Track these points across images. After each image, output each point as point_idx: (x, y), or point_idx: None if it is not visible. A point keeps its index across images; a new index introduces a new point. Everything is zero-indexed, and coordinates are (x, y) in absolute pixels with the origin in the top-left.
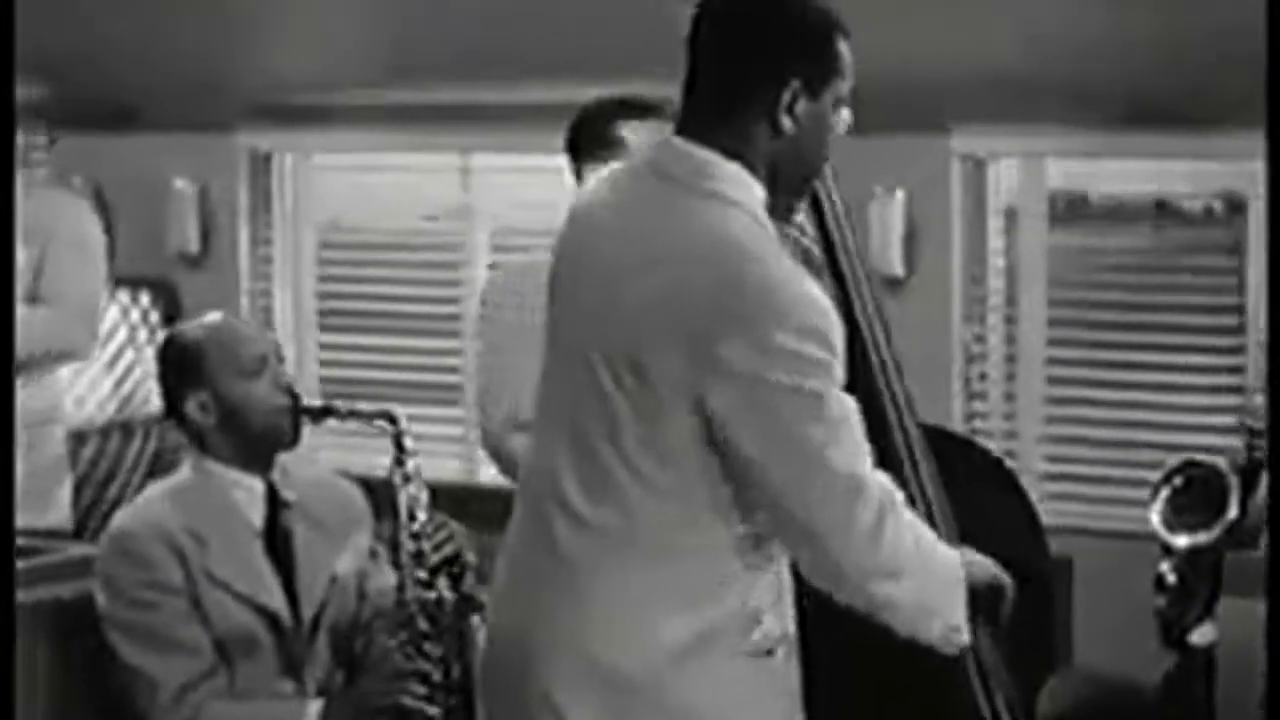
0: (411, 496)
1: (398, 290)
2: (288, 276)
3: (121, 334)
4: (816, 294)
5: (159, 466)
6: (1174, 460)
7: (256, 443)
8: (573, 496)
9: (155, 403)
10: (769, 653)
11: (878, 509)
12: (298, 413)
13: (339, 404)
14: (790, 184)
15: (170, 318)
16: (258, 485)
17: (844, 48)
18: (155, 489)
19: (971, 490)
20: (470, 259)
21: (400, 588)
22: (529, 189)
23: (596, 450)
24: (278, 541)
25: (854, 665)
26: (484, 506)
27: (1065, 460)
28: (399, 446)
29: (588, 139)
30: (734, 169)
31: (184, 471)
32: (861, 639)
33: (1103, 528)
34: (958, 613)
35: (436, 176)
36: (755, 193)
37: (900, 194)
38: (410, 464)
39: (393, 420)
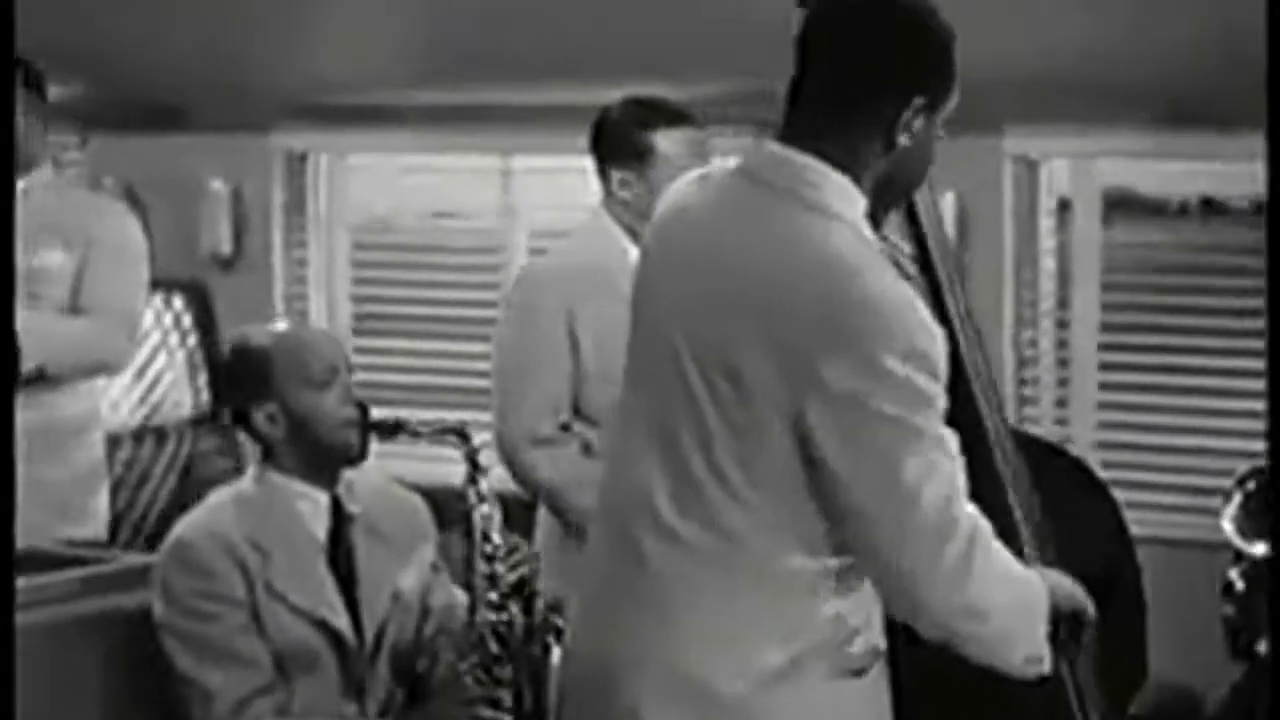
0: (485, 517)
1: (435, 293)
2: (322, 279)
3: (154, 338)
4: (924, 314)
5: (191, 472)
6: (1244, 466)
7: (324, 456)
8: (663, 509)
9: (187, 407)
10: (860, 673)
11: (965, 548)
12: (367, 427)
13: (410, 420)
14: (893, 196)
15: (203, 321)
16: (323, 498)
17: (958, 63)
18: (218, 497)
19: (1060, 496)
20: (510, 261)
21: (471, 610)
22: (570, 190)
23: (688, 462)
24: (340, 556)
25: (945, 685)
26: (526, 514)
27: (1119, 466)
28: (472, 464)
29: (616, 145)
30: (842, 181)
31: (248, 481)
32: (952, 658)
33: (1157, 535)
34: (1039, 641)
35: (476, 177)
36: (859, 206)
37: (951, 195)
38: (484, 483)
39: (465, 438)
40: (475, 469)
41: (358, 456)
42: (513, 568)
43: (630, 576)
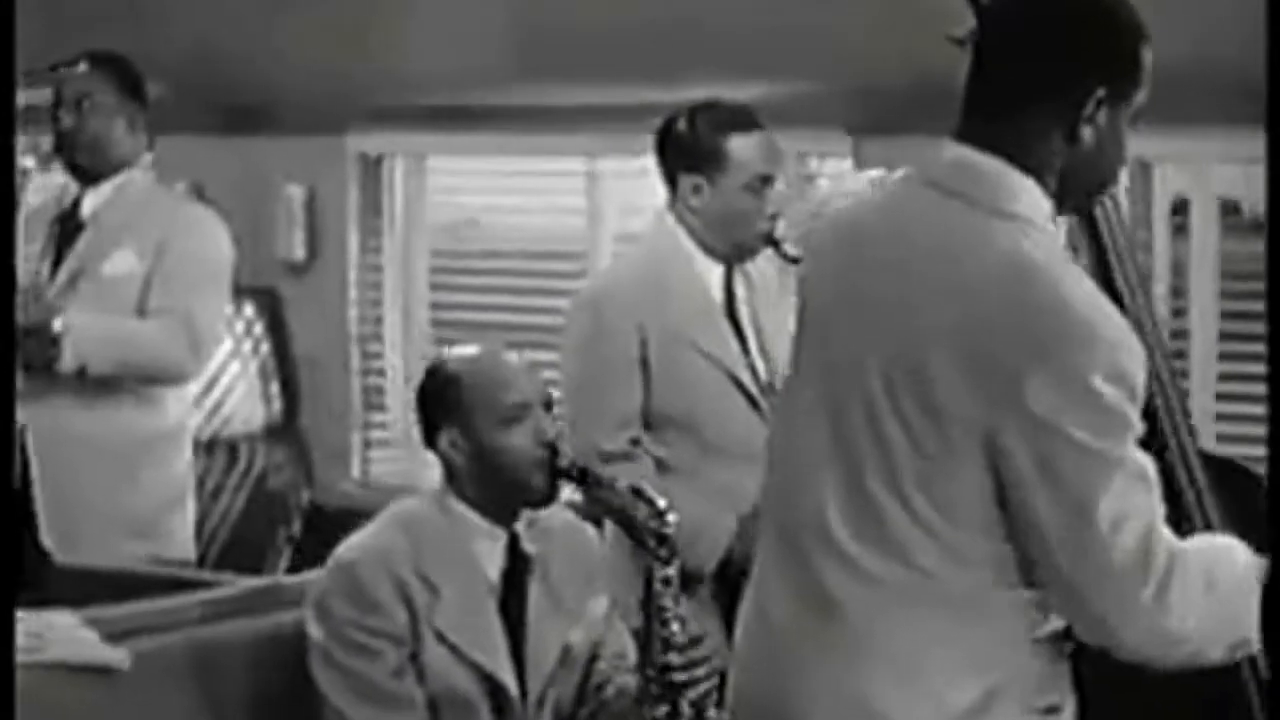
0: (667, 601)
1: (517, 300)
2: (398, 285)
3: (225, 346)
4: (1125, 327)
5: (264, 484)
6: None
7: (505, 493)
8: (840, 535)
9: (259, 418)
10: (1053, 711)
11: (1162, 582)
12: (555, 471)
13: (599, 471)
14: (1077, 197)
15: (275, 329)
16: (500, 535)
17: (1149, 57)
18: (392, 515)
19: (1245, 519)
20: (595, 267)
21: (640, 700)
22: (657, 194)
23: (868, 487)
24: (512, 601)
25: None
26: None
27: None
28: (658, 540)
29: (686, 151)
30: (1026, 183)
31: (426, 501)
32: (1138, 700)
33: None
34: (1244, 633)
35: (559, 180)
36: (1046, 209)
37: None
38: (671, 566)
39: (651, 504)
40: (660, 544)
41: (542, 500)
42: (690, 664)
43: (803, 605)
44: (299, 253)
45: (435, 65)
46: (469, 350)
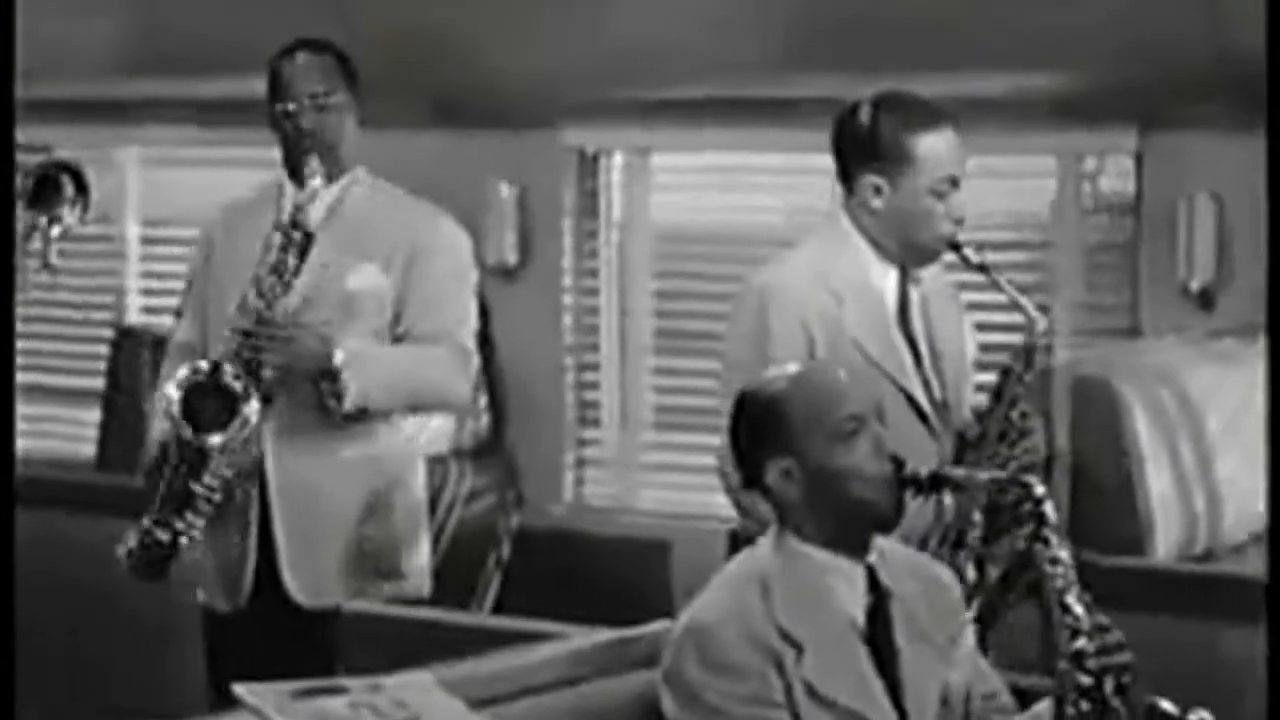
0: (1064, 584)
1: None
2: (616, 292)
3: None
4: None
5: (470, 507)
6: None
7: (850, 520)
8: None
9: (465, 436)
10: None
11: None
12: (902, 484)
13: (952, 471)
14: None
15: (483, 338)
16: (857, 571)
17: None
18: (736, 572)
19: None
20: None
21: (1059, 700)
22: None
23: None
24: (879, 639)
25: None
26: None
27: None
28: (1038, 521)
29: (868, 147)
30: None
31: (763, 552)
32: None
33: None
34: None
35: (800, 179)
36: None
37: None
38: (1054, 543)
39: (1026, 488)
40: (1042, 525)
41: (891, 520)
42: (1104, 649)
43: None
44: (509, 256)
45: (660, 52)
46: (786, 370)
